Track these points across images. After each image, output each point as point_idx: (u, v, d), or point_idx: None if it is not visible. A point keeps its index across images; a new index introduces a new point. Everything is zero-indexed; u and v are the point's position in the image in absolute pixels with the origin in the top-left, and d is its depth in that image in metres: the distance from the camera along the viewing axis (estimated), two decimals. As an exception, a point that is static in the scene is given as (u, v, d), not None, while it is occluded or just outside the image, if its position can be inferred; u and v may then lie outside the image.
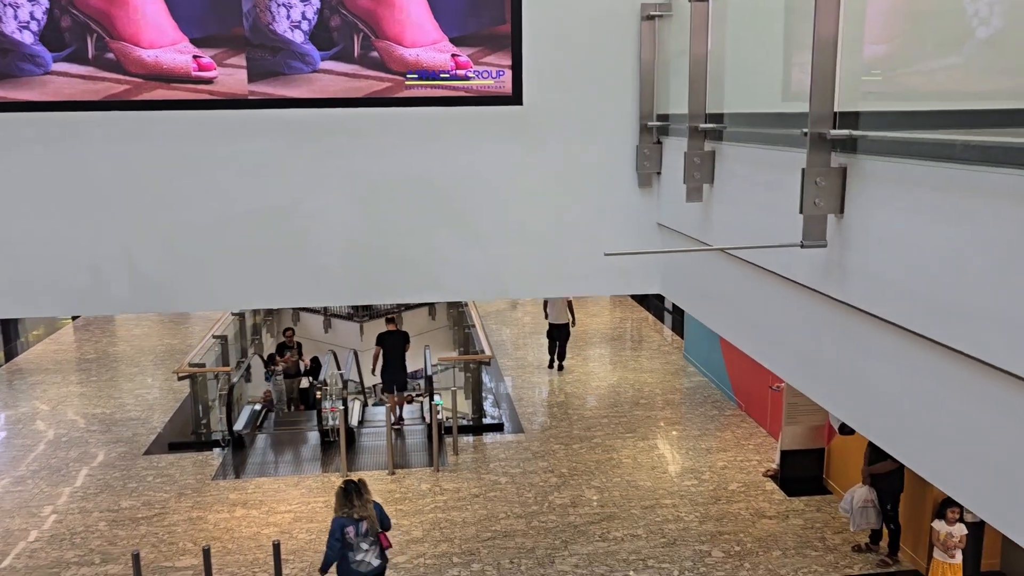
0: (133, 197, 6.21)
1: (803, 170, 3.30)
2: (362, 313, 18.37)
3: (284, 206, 6.36)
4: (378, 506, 7.10)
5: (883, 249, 3.05)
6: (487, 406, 12.48)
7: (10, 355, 16.18)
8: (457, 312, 16.58)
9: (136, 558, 7.04)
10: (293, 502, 9.75)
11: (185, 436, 11.65)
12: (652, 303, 19.17)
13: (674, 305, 17.91)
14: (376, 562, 6.91)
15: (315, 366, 14.07)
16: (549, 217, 6.59)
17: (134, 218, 6.21)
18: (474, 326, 13.72)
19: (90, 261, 6.17)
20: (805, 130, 3.32)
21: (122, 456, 11.01)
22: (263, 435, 11.86)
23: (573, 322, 14.76)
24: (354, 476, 10.35)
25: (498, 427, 11.90)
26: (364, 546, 6.86)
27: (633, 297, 20.14)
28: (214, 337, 13.25)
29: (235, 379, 11.78)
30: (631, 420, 12.12)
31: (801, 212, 3.47)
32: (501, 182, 6.51)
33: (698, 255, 5.79)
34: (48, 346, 16.68)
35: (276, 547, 7.14)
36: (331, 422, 11.38)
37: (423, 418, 12.38)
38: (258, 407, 12.36)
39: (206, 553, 7.04)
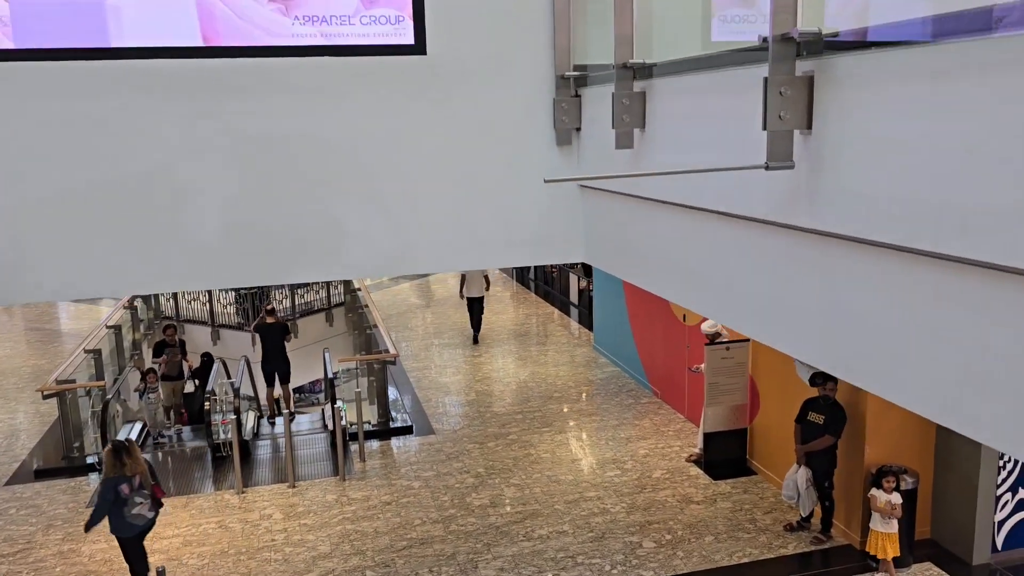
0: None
1: (765, 80, 2.84)
2: (253, 322, 17.20)
3: (148, 174, 5.48)
4: (148, 461, 7.54)
5: (862, 160, 2.62)
6: (393, 410, 11.70)
7: None
8: (357, 315, 15.70)
9: (-12, 601, 5.96)
10: (182, 525, 8.72)
11: (54, 462, 10.37)
12: (557, 298, 18.80)
13: (580, 298, 17.57)
14: (150, 514, 7.31)
15: (206, 366, 12.50)
16: (460, 181, 5.96)
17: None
18: (375, 326, 12.92)
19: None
20: (764, 36, 2.85)
21: (-21, 489, 9.68)
22: (145, 454, 10.68)
23: (488, 289, 16.26)
24: (249, 492, 9.43)
25: (407, 430, 11.15)
26: (139, 499, 7.20)
27: (537, 292, 19.73)
28: (86, 351, 11.95)
29: (110, 395, 10.58)
30: (546, 414, 11.60)
31: (765, 128, 3.01)
32: (405, 142, 5.83)
33: (628, 212, 5.28)
34: None
35: (161, 574, 6.19)
36: (222, 435, 10.36)
37: (324, 425, 11.50)
38: (140, 425, 11.16)
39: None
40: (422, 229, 5.88)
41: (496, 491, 9.25)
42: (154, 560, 7.85)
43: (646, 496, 9.02)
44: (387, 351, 11.55)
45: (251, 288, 17.22)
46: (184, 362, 12.25)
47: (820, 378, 7.39)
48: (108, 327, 13.48)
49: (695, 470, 9.62)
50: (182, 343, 12.58)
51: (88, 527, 7.29)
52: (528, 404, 12.03)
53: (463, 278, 16.08)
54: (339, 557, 7.97)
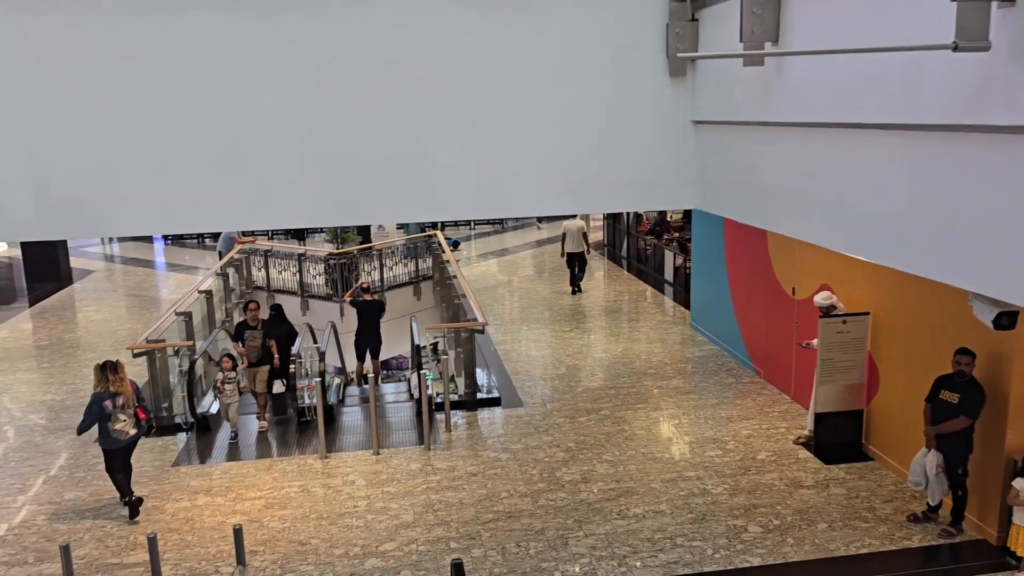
0: (32, 95, 4.98)
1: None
2: (342, 293, 17.13)
3: (224, 102, 5.13)
4: (135, 384, 8.14)
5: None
6: (481, 380, 11.30)
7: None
8: (445, 287, 15.37)
9: (65, 550, 5.81)
10: (264, 487, 8.52)
11: (144, 421, 10.37)
12: (651, 276, 18.07)
13: (676, 275, 16.81)
14: (133, 431, 7.90)
15: (274, 319, 10.80)
16: (558, 115, 5.40)
17: (34, 122, 4.97)
18: (464, 295, 12.53)
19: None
20: None
21: (70, 444, 9.74)
22: (245, 416, 10.62)
23: (588, 250, 17.07)
24: (333, 457, 9.18)
25: (494, 402, 10.72)
26: (122, 417, 7.80)
27: (629, 270, 19.04)
28: (177, 314, 11.98)
29: (198, 354, 10.52)
30: (640, 391, 10.98)
31: (954, -1, 2.36)
32: (499, 72, 5.31)
33: (758, 144, 4.64)
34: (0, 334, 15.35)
35: (238, 533, 5.92)
36: (307, 400, 10.16)
37: (411, 395, 11.19)
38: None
39: (151, 543, 5.82)
40: (516, 168, 5.37)
41: (588, 466, 8.72)
42: (237, 520, 7.67)
43: (750, 479, 8.33)
44: (475, 320, 11.13)
45: (341, 259, 17.15)
46: (270, 348, 10.34)
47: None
48: (200, 292, 13.54)
49: (804, 453, 8.86)
50: (265, 323, 10.65)
51: (78, 432, 8.01)
52: (621, 380, 11.44)
53: (563, 236, 17.02)
54: (422, 527, 7.60)
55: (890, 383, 8.41)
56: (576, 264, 16.89)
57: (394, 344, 16.48)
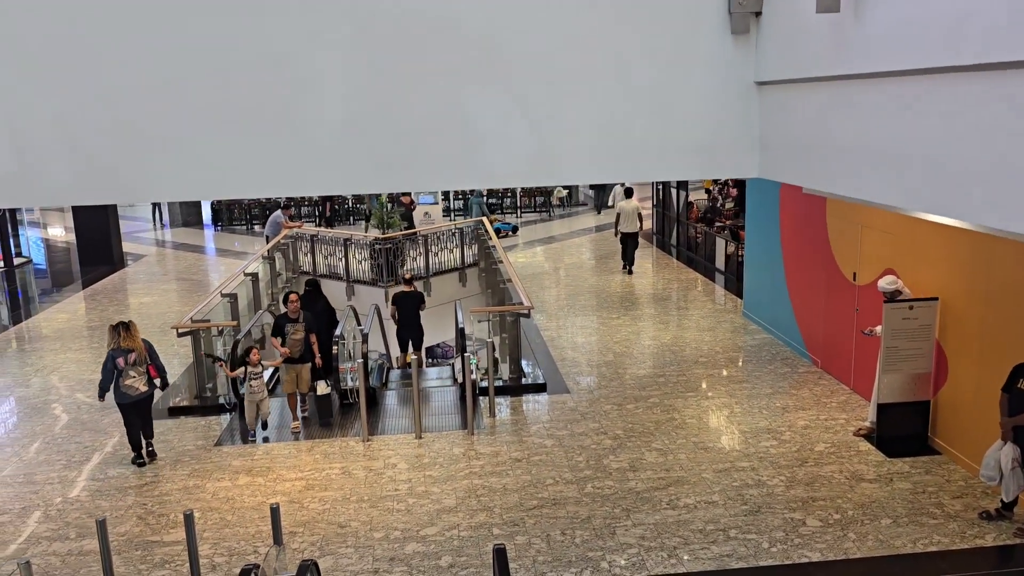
0: (64, 52, 4.83)
1: None
2: (387, 279, 17.03)
3: (262, 61, 4.93)
4: (148, 343, 8.56)
5: None
6: (526, 366, 11.05)
7: (15, 322, 15.11)
8: (490, 272, 15.13)
9: (101, 525, 5.71)
10: (305, 468, 8.39)
11: (187, 401, 10.36)
12: (701, 264, 17.61)
13: (727, 264, 16.35)
14: (144, 388, 8.39)
15: (309, 295, 10.68)
16: (612, 75, 5.08)
17: (67, 79, 4.83)
18: (510, 280, 12.27)
19: (13, 139, 4.81)
20: None
21: (115, 423, 9.72)
22: (275, 398, 10.54)
23: (641, 227, 17.51)
24: (375, 440, 9.02)
25: (539, 388, 10.46)
26: (132, 373, 8.28)
27: (679, 258, 18.59)
28: (223, 295, 11.95)
29: (240, 335, 10.44)
30: (690, 379, 10.62)
31: None
32: (550, 29, 5.01)
33: (833, 100, 4.27)
34: (51, 314, 15.54)
35: (275, 512, 5.76)
36: (350, 382, 10.01)
37: (454, 379, 10.99)
38: (272, 370, 11.01)
39: (188, 520, 5.68)
40: (569, 133, 5.08)
41: (636, 454, 8.41)
42: (277, 500, 7.54)
43: (808, 470, 7.94)
44: (520, 304, 10.88)
45: (386, 244, 17.03)
46: (310, 340, 9.63)
47: None
48: (246, 274, 13.52)
49: (865, 445, 8.42)
50: (307, 317, 9.65)
51: (100, 394, 8.51)
52: (670, 368, 11.08)
53: (617, 216, 17.43)
54: (464, 512, 7.38)
55: (960, 372, 7.93)
56: (630, 243, 17.30)
57: (439, 331, 16.32)
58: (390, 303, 12.75)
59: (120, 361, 8.25)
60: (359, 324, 11.51)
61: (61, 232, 26.10)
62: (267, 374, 9.84)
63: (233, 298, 11.85)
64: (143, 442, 8.60)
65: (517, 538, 6.88)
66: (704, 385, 10.37)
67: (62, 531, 7.27)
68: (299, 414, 9.60)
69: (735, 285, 15.45)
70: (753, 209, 13.43)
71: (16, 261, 20.47)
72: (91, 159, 4.66)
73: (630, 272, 17.27)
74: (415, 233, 18.00)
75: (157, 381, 8.56)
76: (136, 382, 8.33)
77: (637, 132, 5.02)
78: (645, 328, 13.06)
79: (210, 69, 4.68)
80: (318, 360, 9.84)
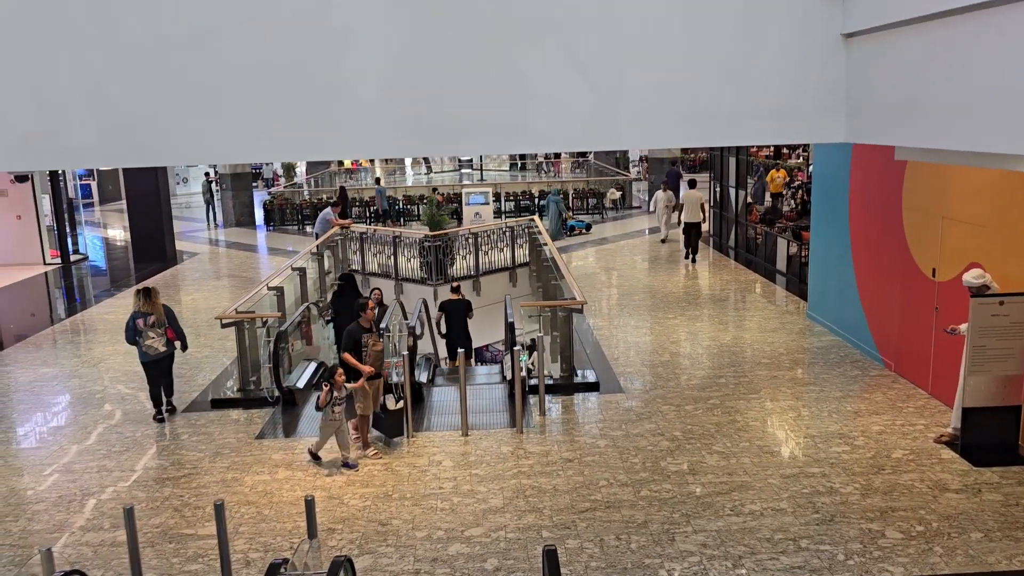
0: (89, 4, 4.55)
1: None
2: (436, 277, 16.73)
3: (300, 15, 4.59)
4: (169, 309, 9.31)
5: None
6: (578, 366, 10.57)
7: (68, 315, 15.19)
8: (541, 268, 14.68)
9: (129, 513, 5.41)
10: (346, 464, 8.05)
11: (231, 393, 10.13)
12: (761, 266, 16.92)
13: (790, 265, 15.65)
14: (163, 348, 9.11)
15: (342, 289, 10.72)
16: (679, 31, 4.62)
17: (92, 34, 4.53)
18: (562, 277, 11.81)
19: (34, 96, 4.54)
20: None
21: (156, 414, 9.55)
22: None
23: (705, 219, 17.87)
24: (419, 437, 8.63)
25: (592, 387, 9.97)
26: (151, 335, 9.01)
27: (737, 260, 17.91)
28: (268, 288, 11.75)
29: (285, 326, 10.17)
30: (753, 381, 10.02)
31: None
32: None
33: (934, 45, 3.76)
34: (103, 308, 15.57)
35: (309, 504, 5.39)
36: (395, 378, 9.65)
37: (503, 377, 10.56)
38: (315, 365, 10.73)
39: (219, 511, 5.35)
40: (629, 93, 4.62)
41: (696, 457, 7.88)
42: (316, 495, 7.21)
43: (885, 478, 7.31)
44: (573, 299, 10.41)
45: (435, 242, 16.72)
46: (381, 350, 8.68)
47: None
48: (293, 269, 13.31)
49: (948, 453, 7.75)
50: (347, 280, 9.75)
51: (127, 342, 9.30)
52: (731, 369, 10.49)
53: (681, 206, 18.19)
54: (512, 512, 6.93)
55: (1056, 375, 7.23)
56: (693, 233, 17.67)
57: (488, 332, 15.95)
58: (437, 310, 12.52)
59: (139, 323, 9.00)
60: (405, 319, 11.17)
61: (120, 232, 26.44)
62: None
63: (279, 291, 11.62)
64: (163, 399, 9.32)
65: (568, 542, 6.41)
66: (768, 387, 9.77)
67: (96, 521, 7.03)
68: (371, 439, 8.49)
69: (797, 287, 14.75)
70: (819, 205, 12.76)
71: (73, 258, 20.75)
72: (117, 118, 4.36)
73: (693, 261, 17.60)
74: (465, 232, 17.66)
75: (177, 344, 9.33)
76: (155, 343, 9.05)
77: (708, 93, 4.54)
78: (703, 329, 12.47)
79: (243, 22, 4.34)
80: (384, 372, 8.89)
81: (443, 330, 12.27)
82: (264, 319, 10.22)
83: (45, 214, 20.69)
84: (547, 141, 4.67)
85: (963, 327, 7.82)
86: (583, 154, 36.84)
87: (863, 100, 4.46)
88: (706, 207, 18.87)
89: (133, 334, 9.07)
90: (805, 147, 19.80)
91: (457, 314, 12.16)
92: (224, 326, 10.04)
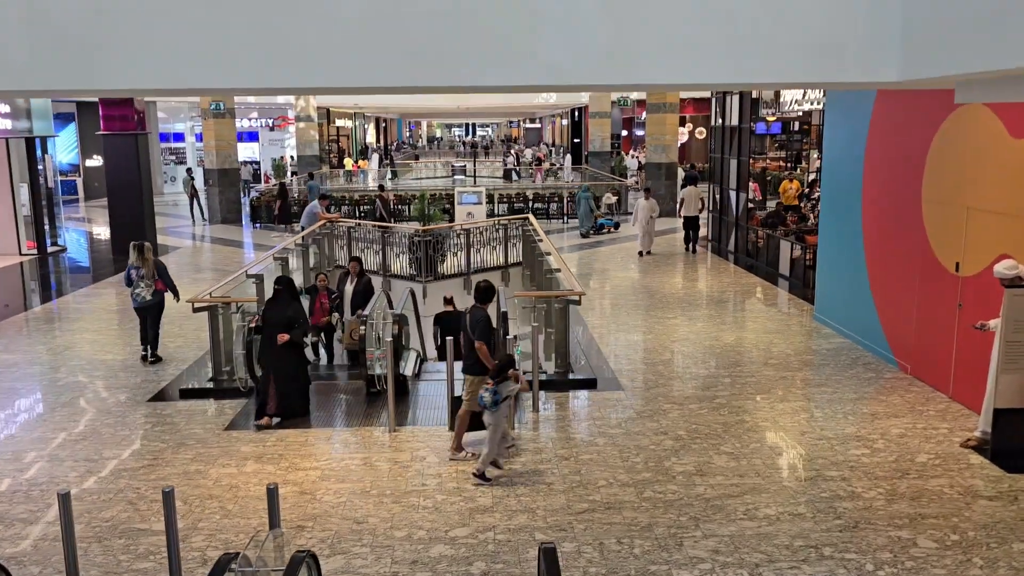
0: None
1: None
2: (427, 274, 16.08)
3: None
4: (160, 263, 10.60)
5: None
6: (574, 360, 9.93)
7: (39, 304, 14.45)
8: (536, 266, 14.05)
9: (64, 498, 4.73)
10: (321, 458, 7.37)
11: (202, 383, 9.44)
12: (762, 269, 16.34)
13: (792, 268, 15.08)
14: (150, 297, 10.25)
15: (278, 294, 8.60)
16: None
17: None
18: (558, 269, 11.19)
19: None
20: None
21: (121, 403, 8.85)
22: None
23: (702, 210, 18.81)
24: (402, 431, 7.96)
25: (589, 383, 9.32)
26: (142, 284, 10.22)
27: (737, 264, 17.33)
28: (248, 275, 11.08)
29: (261, 312, 9.48)
30: (761, 380, 9.39)
31: None
32: None
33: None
34: (75, 298, 14.85)
35: (271, 493, 4.71)
36: (378, 369, 8.99)
37: (494, 372, 9.89)
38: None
39: (167, 498, 4.67)
40: (653, 20, 4.01)
41: (703, 458, 7.23)
42: (287, 490, 6.54)
43: (911, 483, 6.68)
44: (569, 290, 9.78)
45: (425, 237, 16.09)
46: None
47: None
48: (276, 258, 12.66)
49: (976, 458, 7.13)
50: (285, 285, 8.70)
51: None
52: (737, 369, 9.87)
53: (681, 200, 18.88)
54: (502, 512, 6.27)
55: (1098, 374, 6.63)
56: (691, 227, 18.58)
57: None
58: (432, 323, 11.90)
59: (133, 273, 10.21)
60: (391, 308, 10.51)
61: (102, 228, 25.70)
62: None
63: (258, 279, 10.95)
64: (150, 351, 10.32)
65: (564, 545, 5.74)
66: (776, 388, 9.15)
67: (39, 513, 6.32)
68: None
69: (801, 290, 14.18)
70: (828, 202, 12.19)
71: (51, 250, 20.02)
72: (56, 36, 3.71)
73: (694, 252, 18.46)
74: (457, 227, 17.04)
75: (168, 293, 10.40)
76: (144, 292, 10.18)
77: (742, 23, 3.93)
78: (705, 329, 11.85)
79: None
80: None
81: (438, 343, 11.59)
82: (239, 304, 9.53)
83: (22, 204, 19.97)
84: (559, 74, 4.02)
85: (993, 323, 7.23)
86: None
87: (923, 26, 3.83)
88: (704, 201, 19.53)
89: (128, 282, 10.33)
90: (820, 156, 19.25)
91: (451, 326, 11.40)
92: (196, 310, 9.37)
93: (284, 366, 8.28)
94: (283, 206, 24.24)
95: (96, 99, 20.07)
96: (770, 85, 4.44)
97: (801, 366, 10.05)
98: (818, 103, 14.62)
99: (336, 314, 10.50)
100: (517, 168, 41.54)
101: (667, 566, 5.50)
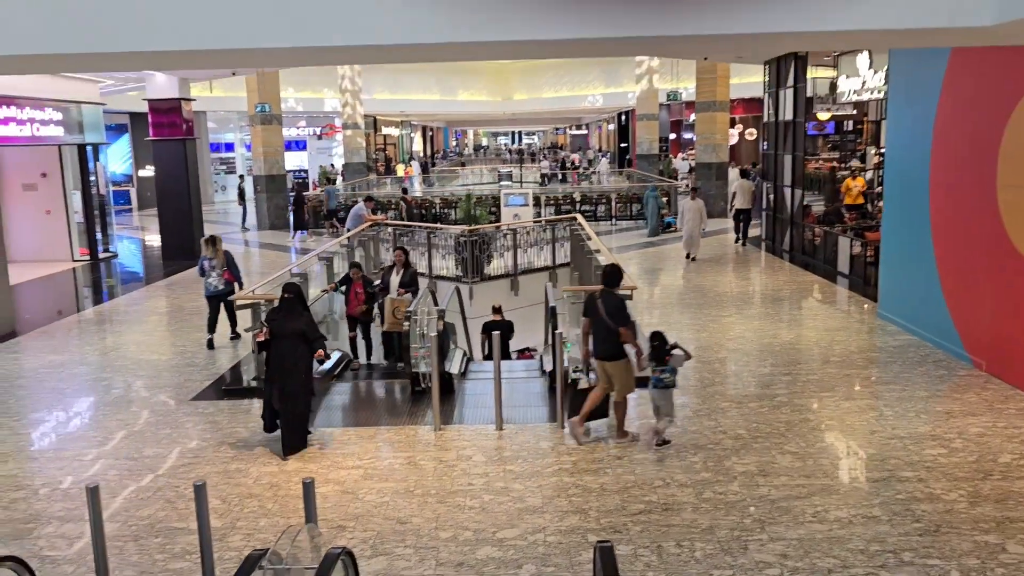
0: None
1: None
2: (472, 276, 15.83)
3: None
4: (229, 254, 11.15)
5: None
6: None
7: (88, 307, 14.55)
8: (585, 265, 13.68)
9: (93, 492, 4.53)
10: (364, 456, 7.11)
11: (246, 382, 9.28)
12: (819, 267, 15.73)
13: (852, 265, 14.47)
14: (221, 286, 10.92)
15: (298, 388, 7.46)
16: None
17: None
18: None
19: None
20: None
21: (163, 403, 8.73)
22: (344, 383, 9.38)
23: (753, 204, 19.00)
24: (448, 430, 7.68)
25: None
26: (214, 274, 10.91)
27: (793, 263, 16.73)
28: (292, 274, 10.93)
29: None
30: (824, 379, 8.90)
31: None
32: None
33: None
34: (123, 301, 14.91)
35: (307, 487, 4.44)
36: (423, 367, 8.73)
37: (542, 370, 9.58)
38: (337, 354, 9.86)
39: (199, 492, 4.43)
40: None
41: (766, 457, 6.80)
42: (328, 489, 6.30)
43: (995, 485, 6.16)
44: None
45: (471, 237, 15.84)
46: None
47: None
48: (320, 258, 12.52)
49: (1067, 459, 6.58)
50: (294, 293, 7.65)
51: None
52: (798, 367, 9.38)
53: (733, 193, 19.23)
54: (552, 513, 5.92)
55: None
56: (743, 218, 18.88)
57: (528, 335, 14.97)
58: (480, 332, 11.72)
59: (205, 264, 10.96)
60: (436, 304, 10.26)
61: (154, 235, 26.06)
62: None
63: (303, 278, 10.79)
64: (231, 330, 11.24)
65: (620, 547, 5.37)
66: (841, 386, 8.64)
67: (77, 511, 6.16)
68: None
69: (862, 288, 13.57)
70: (893, 194, 11.60)
71: (103, 256, 20.28)
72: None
73: (744, 244, 18.71)
74: (503, 227, 16.77)
75: (235, 285, 11.00)
76: (215, 281, 10.93)
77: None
78: (762, 327, 11.35)
79: None
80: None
81: (485, 352, 11.33)
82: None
83: (75, 211, 20.25)
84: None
85: (1083, 311, 6.68)
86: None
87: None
88: (755, 194, 19.64)
89: (201, 272, 11.11)
90: (881, 153, 18.48)
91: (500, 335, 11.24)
92: (239, 308, 9.23)
93: (294, 385, 7.26)
94: (298, 212, 24.31)
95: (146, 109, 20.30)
96: (849, 37, 4.03)
97: (866, 364, 9.51)
98: (878, 91, 14.01)
99: (376, 305, 10.27)
100: (555, 172, 41.53)
101: (731, 571, 5.10)
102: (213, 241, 11.08)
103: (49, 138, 18.36)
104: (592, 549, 4.60)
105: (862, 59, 14.56)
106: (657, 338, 7.23)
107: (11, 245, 19.42)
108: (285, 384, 7.25)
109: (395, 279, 10.44)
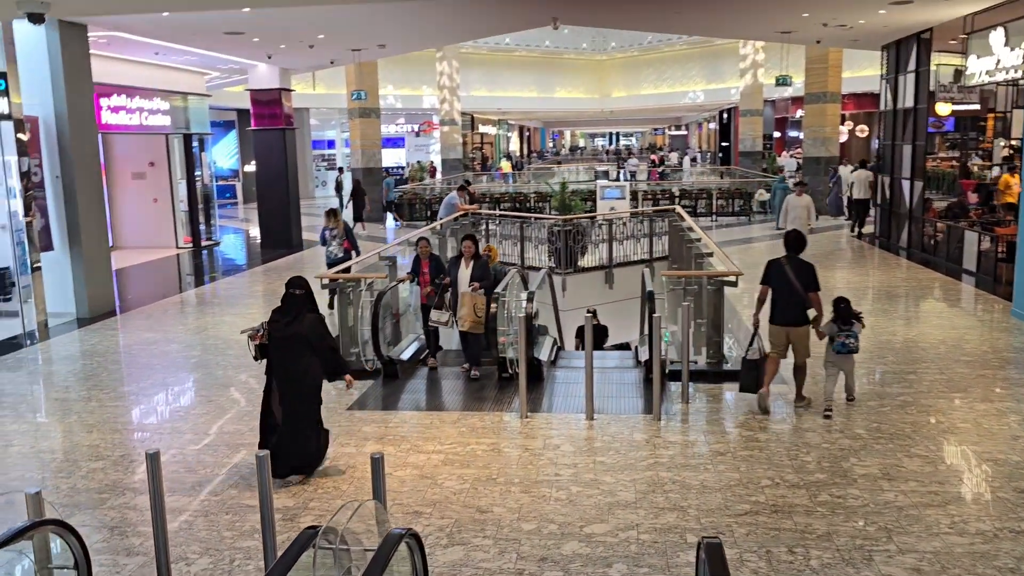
0: None
1: None
2: (565, 266, 15.32)
3: None
4: (347, 224, 12.19)
5: None
6: (728, 350, 8.87)
7: (185, 290, 14.80)
8: (684, 256, 12.97)
9: (153, 458, 4.26)
10: (446, 441, 6.71)
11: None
12: (942, 265, 14.52)
13: (980, 263, 13.28)
14: (340, 254, 11.86)
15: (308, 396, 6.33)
16: None
17: None
18: (710, 254, 10.13)
19: None
20: None
21: (246, 381, 8.58)
22: (425, 366, 9.05)
23: (872, 196, 18.65)
24: (535, 418, 7.20)
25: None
26: (334, 243, 11.91)
27: (911, 259, 15.52)
28: (381, 258, 10.69)
29: (385, 286, 9.00)
30: (953, 378, 8.00)
31: None
32: None
33: None
34: (220, 284, 15.11)
35: (375, 463, 4.02)
36: (511, 353, 8.29)
37: (637, 360, 9.00)
38: (418, 344, 9.52)
39: (260, 462, 4.09)
40: None
41: (890, 460, 6.05)
42: (406, 473, 5.92)
43: None
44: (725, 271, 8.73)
45: (565, 227, 15.34)
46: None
47: None
48: (410, 243, 12.26)
49: None
50: (300, 286, 6.18)
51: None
52: (922, 365, 8.49)
53: (851, 184, 19.13)
54: (646, 509, 5.37)
55: None
56: (860, 209, 18.80)
57: (623, 330, 14.37)
58: (575, 336, 11.26)
59: (326, 234, 11.90)
60: (527, 287, 9.80)
61: (257, 227, 26.68)
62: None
63: (391, 261, 10.52)
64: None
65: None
66: (974, 386, 7.74)
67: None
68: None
69: (991, 286, 12.40)
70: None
71: (205, 244, 20.77)
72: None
73: (859, 236, 18.40)
74: (597, 217, 16.21)
75: (353, 253, 11.94)
76: (336, 249, 11.84)
77: None
78: (880, 323, 10.42)
79: None
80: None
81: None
82: (368, 280, 9.08)
83: (181, 200, 20.79)
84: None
85: None
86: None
87: None
88: (874, 185, 18.87)
89: (322, 241, 12.08)
90: (1012, 145, 16.99)
91: (594, 339, 10.65)
92: (323, 287, 9.01)
93: (300, 404, 6.02)
94: (357, 204, 24.25)
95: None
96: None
97: (1002, 364, 8.53)
98: (1016, 70, 12.71)
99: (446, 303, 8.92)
100: (636, 169, 41.33)
101: (854, 584, 4.44)
102: (334, 213, 11.99)
103: (157, 127, 18.88)
104: (695, 547, 4.05)
105: (996, 36, 13.29)
106: (843, 302, 7.25)
107: (119, 232, 20.16)
108: (289, 393, 6.03)
109: (464, 272, 8.76)
